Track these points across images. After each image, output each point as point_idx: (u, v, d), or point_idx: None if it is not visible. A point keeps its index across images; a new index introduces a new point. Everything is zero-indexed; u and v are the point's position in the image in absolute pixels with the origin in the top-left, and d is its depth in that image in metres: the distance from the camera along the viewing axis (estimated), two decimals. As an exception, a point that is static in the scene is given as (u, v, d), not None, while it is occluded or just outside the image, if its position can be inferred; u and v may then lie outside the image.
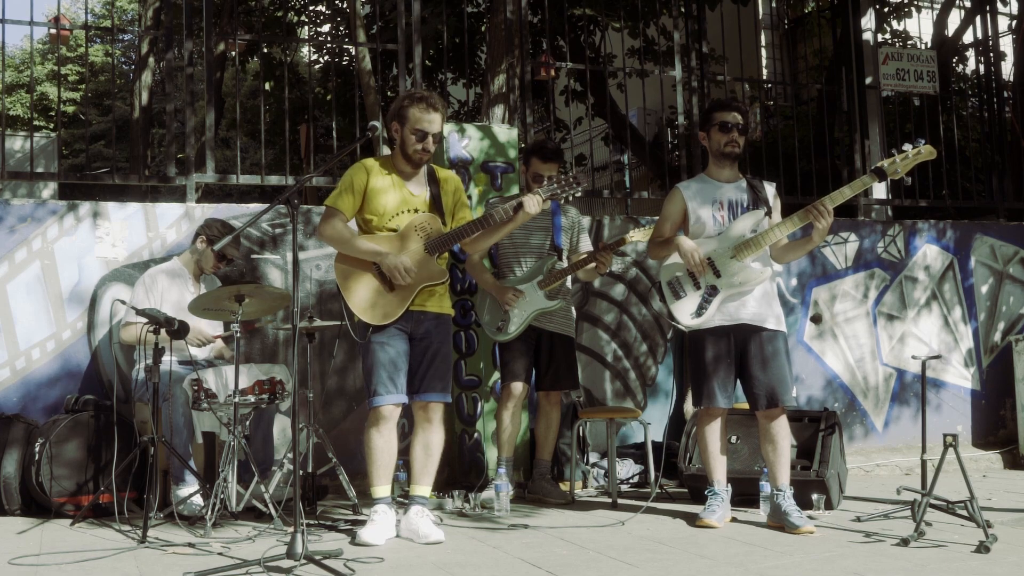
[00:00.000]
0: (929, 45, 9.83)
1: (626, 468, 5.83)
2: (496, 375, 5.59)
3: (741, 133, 4.50)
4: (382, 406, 4.10)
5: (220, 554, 3.78)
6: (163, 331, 4.43)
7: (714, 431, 4.55)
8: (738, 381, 4.54)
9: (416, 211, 4.19)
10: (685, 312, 4.47)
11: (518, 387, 5.19)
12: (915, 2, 10.08)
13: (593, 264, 5.17)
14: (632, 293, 6.52)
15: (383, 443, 4.12)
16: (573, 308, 5.57)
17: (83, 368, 5.39)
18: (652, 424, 5.54)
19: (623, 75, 8.43)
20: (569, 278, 5.34)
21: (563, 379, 5.32)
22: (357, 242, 4.15)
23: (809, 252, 5.93)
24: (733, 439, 5.15)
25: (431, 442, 4.22)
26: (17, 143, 12.42)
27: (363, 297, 4.12)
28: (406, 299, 4.11)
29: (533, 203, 4.13)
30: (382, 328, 4.12)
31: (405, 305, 4.11)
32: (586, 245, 5.42)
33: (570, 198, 4.27)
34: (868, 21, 8.17)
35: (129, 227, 5.56)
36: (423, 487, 4.22)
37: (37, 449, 4.70)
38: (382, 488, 4.15)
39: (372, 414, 4.13)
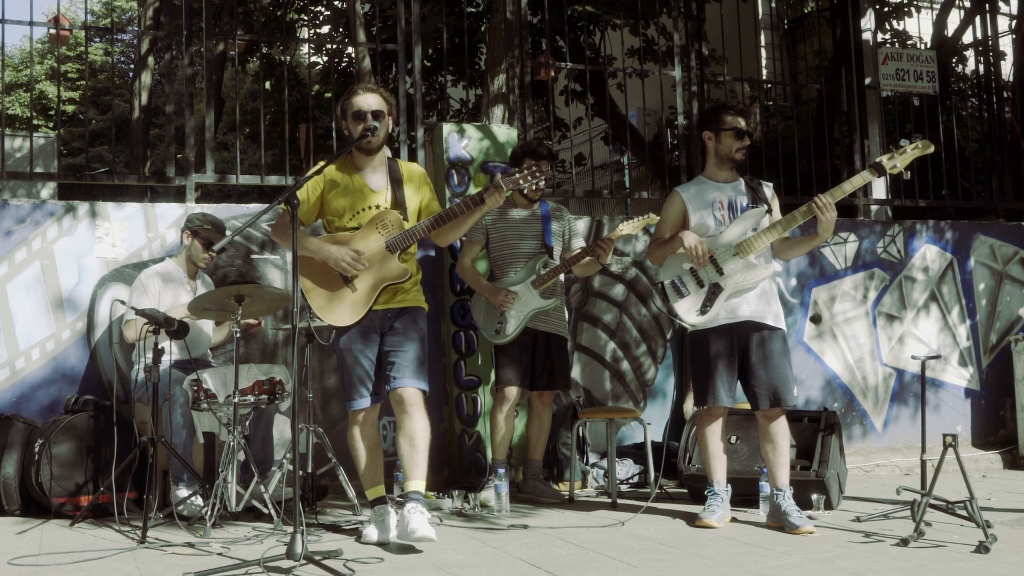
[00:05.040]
0: (929, 45, 9.83)
1: (626, 468, 5.83)
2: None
3: (750, 138, 4.53)
4: (360, 410, 4.11)
5: (220, 554, 3.78)
6: (163, 331, 4.43)
7: (714, 431, 4.55)
8: (739, 380, 4.54)
9: (377, 207, 4.09)
10: (690, 310, 4.47)
11: (512, 391, 5.19)
12: (915, 2, 10.08)
13: (587, 259, 5.15)
14: (632, 293, 6.52)
15: (366, 442, 4.14)
16: (566, 309, 5.57)
17: (82, 368, 5.39)
18: (651, 424, 5.54)
19: (623, 75, 8.43)
20: (561, 276, 5.34)
21: (558, 380, 5.34)
22: (305, 240, 4.05)
23: (810, 252, 5.93)
24: (733, 439, 5.15)
25: (414, 433, 4.02)
26: (16, 143, 12.42)
27: (326, 298, 4.06)
28: (368, 298, 4.02)
29: (494, 196, 3.97)
30: (347, 330, 4.07)
31: (368, 305, 4.02)
32: (579, 245, 5.42)
33: (534, 187, 4.18)
34: (868, 21, 8.18)
35: (129, 227, 5.56)
36: (415, 481, 4.02)
37: (37, 449, 4.70)
38: (376, 489, 4.15)
39: (351, 416, 4.15)
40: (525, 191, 4.16)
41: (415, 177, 4.22)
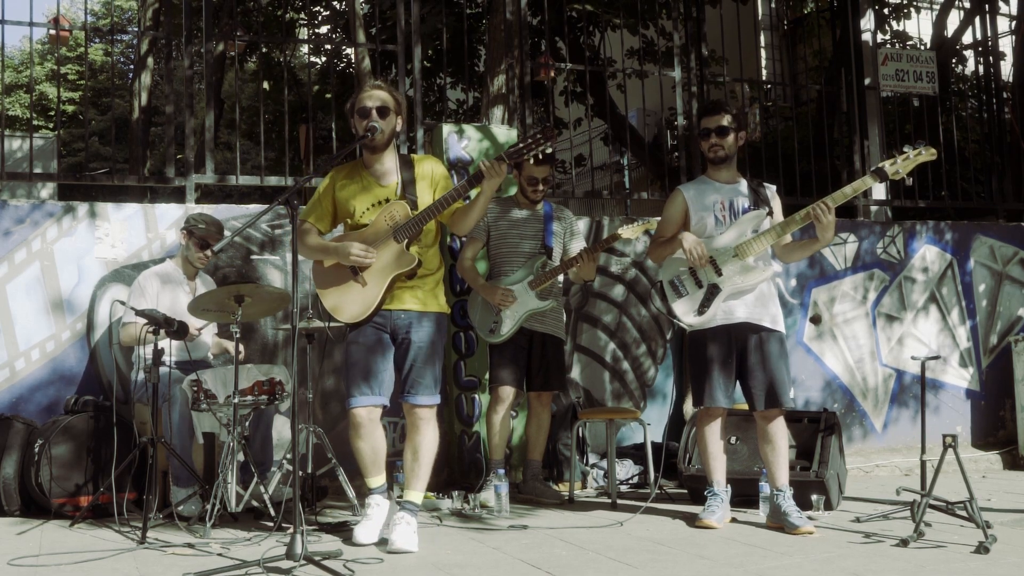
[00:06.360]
0: (928, 46, 9.84)
1: (625, 469, 5.83)
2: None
3: (721, 135, 4.48)
4: (355, 408, 4.05)
5: (219, 555, 3.79)
6: (162, 332, 4.43)
7: (714, 431, 4.55)
8: (738, 381, 4.54)
9: (387, 202, 4.06)
10: (688, 311, 4.47)
11: (507, 391, 5.18)
12: (915, 3, 10.08)
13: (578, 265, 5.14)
14: (631, 294, 6.52)
15: (364, 445, 4.08)
16: (563, 310, 5.55)
17: (82, 369, 5.39)
18: (651, 425, 5.53)
19: (623, 76, 8.43)
20: (561, 278, 5.33)
21: (553, 380, 5.33)
22: (311, 241, 4.09)
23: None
24: (733, 440, 5.15)
25: (419, 445, 4.07)
26: (16, 143, 12.41)
27: (337, 297, 4.06)
28: (378, 291, 3.99)
29: (495, 167, 3.89)
30: (358, 327, 4.05)
31: (379, 297, 3.99)
32: (579, 246, 5.40)
33: (539, 155, 4.09)
34: (867, 22, 8.18)
35: (128, 228, 5.56)
36: (413, 492, 4.07)
37: (36, 450, 4.70)
38: (374, 479, 4.12)
39: (350, 416, 4.09)
40: (534, 159, 4.03)
41: (429, 170, 4.16)
